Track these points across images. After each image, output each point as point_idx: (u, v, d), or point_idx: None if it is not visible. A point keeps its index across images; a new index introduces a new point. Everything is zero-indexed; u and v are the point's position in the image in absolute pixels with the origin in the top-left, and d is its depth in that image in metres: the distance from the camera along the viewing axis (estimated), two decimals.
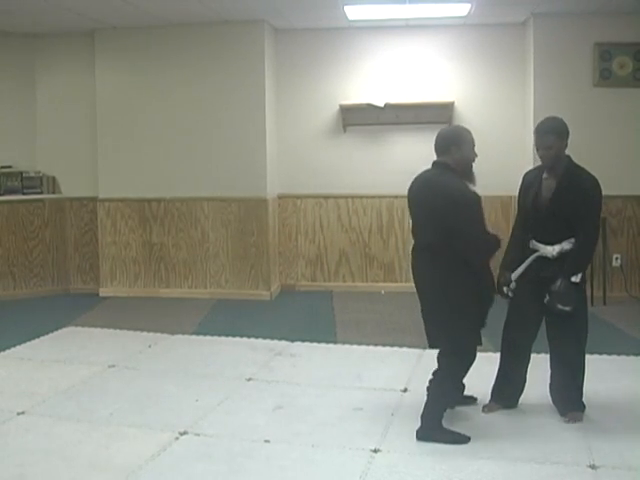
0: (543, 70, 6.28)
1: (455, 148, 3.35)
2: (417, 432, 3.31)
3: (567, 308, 3.35)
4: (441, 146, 3.40)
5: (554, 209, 3.42)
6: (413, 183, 3.47)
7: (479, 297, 3.33)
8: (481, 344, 3.41)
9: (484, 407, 3.64)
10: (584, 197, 3.38)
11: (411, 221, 3.55)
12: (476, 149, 3.44)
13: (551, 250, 3.44)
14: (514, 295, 3.56)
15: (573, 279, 3.37)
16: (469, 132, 3.44)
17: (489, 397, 3.69)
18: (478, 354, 3.41)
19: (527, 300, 3.52)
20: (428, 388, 3.40)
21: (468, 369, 3.40)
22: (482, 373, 3.68)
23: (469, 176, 3.41)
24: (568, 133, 3.44)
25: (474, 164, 3.43)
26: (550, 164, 3.45)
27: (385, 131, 6.83)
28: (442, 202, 3.25)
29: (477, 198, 3.26)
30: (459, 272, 3.28)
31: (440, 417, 3.33)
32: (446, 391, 3.38)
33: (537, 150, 3.47)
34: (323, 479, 2.95)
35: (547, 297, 3.39)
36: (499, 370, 3.66)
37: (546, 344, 3.58)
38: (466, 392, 3.67)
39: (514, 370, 3.61)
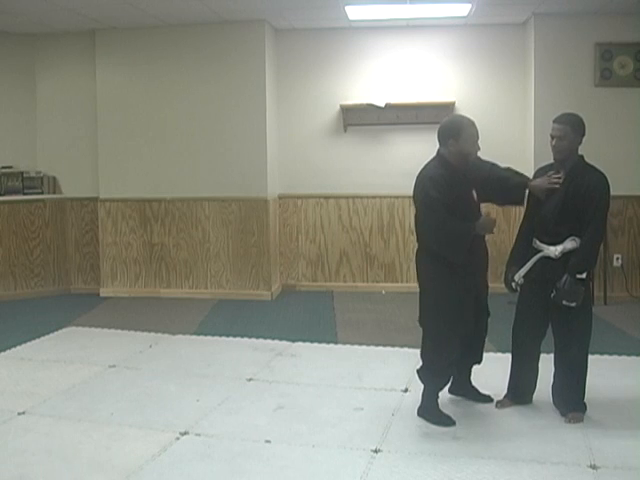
0: (544, 70, 6.28)
1: (453, 141, 3.36)
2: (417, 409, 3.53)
3: (572, 304, 3.35)
4: (441, 137, 3.43)
5: (560, 204, 3.41)
6: None
7: (458, 291, 3.35)
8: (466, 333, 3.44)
9: (497, 403, 3.67)
10: (592, 193, 3.37)
11: None
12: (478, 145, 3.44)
13: (554, 250, 3.44)
14: (521, 296, 3.59)
15: (578, 276, 3.37)
16: (472, 124, 3.41)
17: (493, 395, 3.72)
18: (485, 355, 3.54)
19: (533, 300, 3.53)
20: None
21: (446, 359, 3.41)
22: (482, 373, 3.68)
23: (465, 169, 3.42)
24: (584, 131, 3.44)
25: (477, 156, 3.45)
26: (561, 157, 3.43)
27: (386, 131, 6.83)
28: (414, 193, 3.41)
29: (435, 193, 3.29)
30: (431, 262, 3.40)
31: (431, 397, 3.45)
32: (426, 375, 3.46)
33: (551, 140, 3.45)
34: (323, 479, 2.95)
35: (553, 292, 3.40)
36: (511, 369, 3.68)
37: (548, 344, 3.58)
38: (483, 391, 3.73)
39: (525, 369, 3.64)
